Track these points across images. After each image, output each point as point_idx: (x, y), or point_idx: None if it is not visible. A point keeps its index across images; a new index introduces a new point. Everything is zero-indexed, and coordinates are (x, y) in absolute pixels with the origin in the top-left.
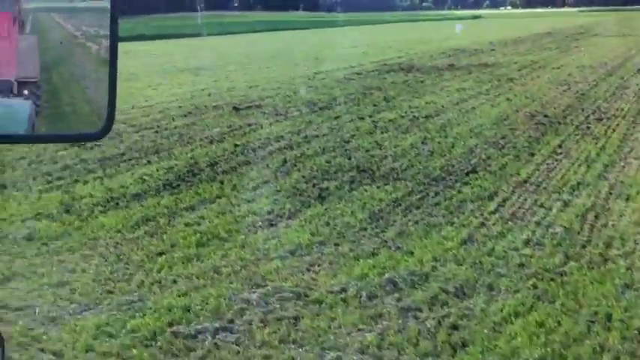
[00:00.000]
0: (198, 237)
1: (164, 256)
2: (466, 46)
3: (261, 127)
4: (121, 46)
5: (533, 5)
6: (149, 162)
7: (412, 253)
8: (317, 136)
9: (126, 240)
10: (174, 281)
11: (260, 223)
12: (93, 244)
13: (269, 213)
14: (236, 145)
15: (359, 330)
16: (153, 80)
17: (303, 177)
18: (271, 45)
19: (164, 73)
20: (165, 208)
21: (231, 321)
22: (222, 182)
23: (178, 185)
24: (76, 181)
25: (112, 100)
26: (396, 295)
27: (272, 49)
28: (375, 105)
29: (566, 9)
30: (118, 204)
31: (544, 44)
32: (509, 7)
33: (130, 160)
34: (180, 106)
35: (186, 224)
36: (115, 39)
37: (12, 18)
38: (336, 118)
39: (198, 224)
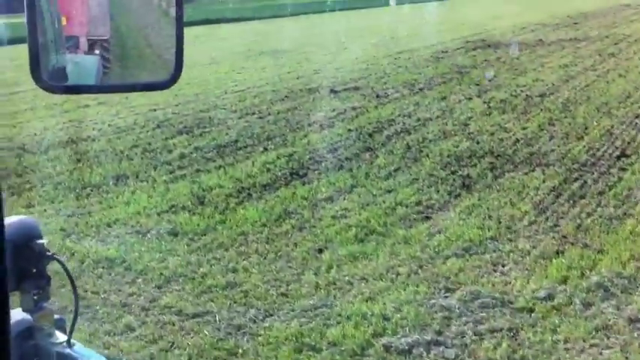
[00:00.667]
0: (353, 232)
1: (326, 254)
2: (544, 20)
3: (367, 111)
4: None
5: None
6: (265, 149)
7: (604, 251)
8: (430, 119)
9: (276, 235)
10: (350, 282)
11: (413, 215)
12: (243, 239)
13: (417, 204)
14: (349, 130)
15: (593, 346)
16: (235, 64)
17: (436, 163)
18: (333, 26)
19: (242, 57)
20: (303, 199)
21: (440, 332)
22: (350, 170)
23: (306, 174)
24: (198, 170)
25: (179, 49)
26: (613, 302)
27: (336, 30)
28: (477, 84)
29: None
30: (250, 195)
31: (628, 16)
32: None
33: (245, 147)
34: (273, 90)
35: (333, 217)
36: None
37: None
38: (442, 99)
39: (345, 217)
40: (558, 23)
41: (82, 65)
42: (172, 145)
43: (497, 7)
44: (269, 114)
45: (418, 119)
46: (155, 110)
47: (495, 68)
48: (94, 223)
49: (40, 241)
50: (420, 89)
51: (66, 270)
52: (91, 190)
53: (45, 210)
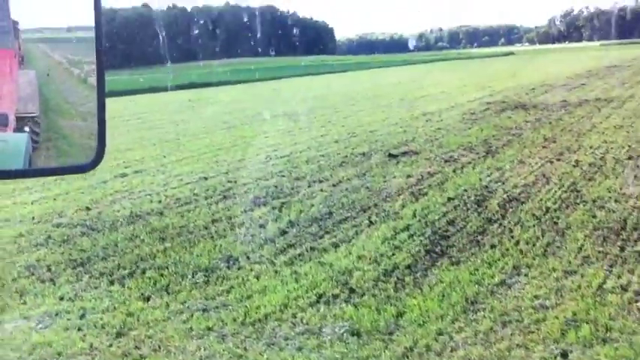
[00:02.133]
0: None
1: None
2: (551, 81)
3: (448, 177)
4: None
5: (550, 41)
6: (371, 222)
7: None
8: (528, 184)
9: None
10: None
11: None
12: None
13: None
14: (449, 199)
15: None
16: (256, 128)
17: (589, 236)
18: (335, 88)
19: (258, 121)
20: (474, 284)
21: None
22: (500, 245)
23: (445, 252)
24: (313, 248)
25: (101, 133)
26: None
27: (342, 91)
28: (543, 146)
29: (584, 43)
30: (402, 280)
31: (629, 76)
32: (526, 44)
33: (345, 220)
34: (322, 155)
35: (533, 308)
36: (101, 70)
37: (14, 55)
38: (520, 162)
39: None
40: (565, 84)
41: (11, 144)
42: (258, 219)
43: (488, 69)
44: (340, 181)
45: (515, 185)
46: (206, 179)
47: (546, 129)
48: (242, 318)
49: None
50: (486, 152)
51: None
52: (206, 276)
53: (168, 305)
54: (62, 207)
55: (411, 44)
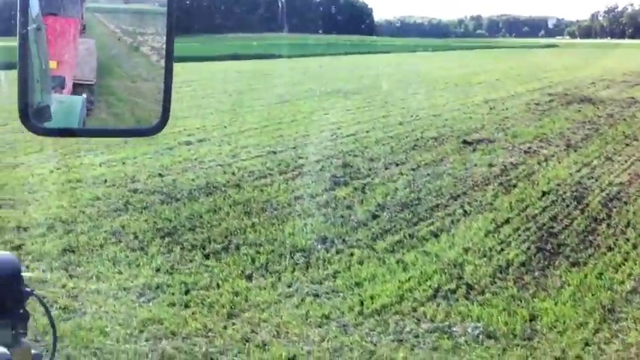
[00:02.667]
0: None
1: None
2: (608, 76)
3: (535, 169)
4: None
5: (592, 36)
6: (465, 212)
7: None
8: (625, 183)
9: None
10: None
11: None
12: None
13: None
14: (545, 194)
15: None
16: (311, 105)
17: None
18: (382, 69)
19: (310, 97)
20: None
21: None
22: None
23: (582, 260)
24: (412, 236)
25: (167, 98)
26: None
27: (390, 72)
28: (626, 144)
29: (628, 41)
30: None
31: None
32: (567, 37)
33: (437, 207)
34: (390, 137)
35: None
36: (171, 36)
37: (78, 23)
38: (607, 159)
39: None
40: (624, 81)
41: (68, 105)
42: (343, 200)
43: (533, 59)
44: (418, 166)
45: (610, 183)
46: (275, 153)
47: (623, 126)
48: (359, 308)
49: (20, 277)
50: (567, 146)
51: (45, 307)
52: (305, 257)
53: (274, 286)
54: (132, 171)
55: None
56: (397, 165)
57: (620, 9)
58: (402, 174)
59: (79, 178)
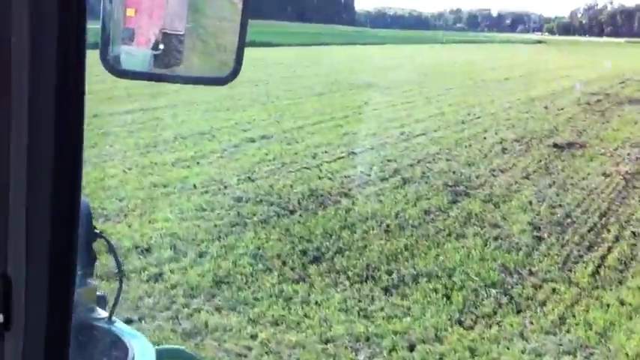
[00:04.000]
0: None
1: None
2: (628, 74)
3: None
4: None
5: (570, 34)
6: None
7: None
8: None
9: None
10: None
11: None
12: None
13: None
14: None
15: None
16: (349, 98)
17: None
18: (393, 60)
19: (342, 90)
20: None
21: None
22: None
23: None
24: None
25: (240, 44)
26: None
27: (405, 64)
28: None
29: (606, 39)
30: None
31: None
32: (546, 34)
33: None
34: (465, 137)
35: None
36: None
37: None
38: None
39: None
40: None
41: (135, 58)
42: (482, 215)
43: (533, 55)
44: (528, 174)
45: None
46: (355, 154)
47: None
48: None
49: (90, 218)
50: None
51: (112, 250)
52: (507, 295)
53: (497, 339)
54: (215, 174)
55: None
56: (503, 172)
57: (599, 7)
58: (517, 183)
59: (161, 182)
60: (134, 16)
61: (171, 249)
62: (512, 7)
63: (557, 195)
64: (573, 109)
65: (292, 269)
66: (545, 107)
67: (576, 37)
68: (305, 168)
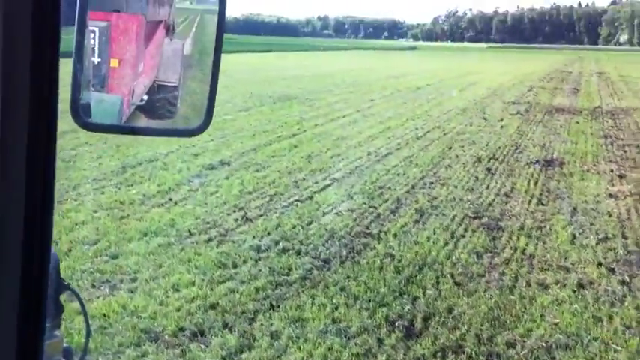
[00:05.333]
0: None
1: None
2: (528, 82)
3: None
4: None
5: (433, 39)
6: None
7: None
8: None
9: None
10: None
11: None
12: None
13: None
14: None
15: None
16: (278, 112)
17: None
18: (296, 71)
19: (268, 103)
20: None
21: None
22: None
23: None
24: None
25: (211, 96)
26: None
27: (310, 74)
28: None
29: (466, 44)
30: None
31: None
32: (410, 40)
33: None
34: (455, 156)
35: None
36: (220, 36)
37: (142, 21)
38: None
39: None
40: (555, 87)
41: (108, 103)
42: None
43: (418, 64)
44: (549, 191)
45: None
46: (386, 188)
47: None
48: None
49: (58, 269)
50: None
51: (80, 301)
52: None
53: None
54: (202, 213)
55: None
56: (509, 197)
57: (460, 13)
58: (541, 211)
59: (148, 228)
60: (118, 66)
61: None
62: (376, 14)
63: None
64: (513, 121)
65: (394, 348)
66: (484, 119)
67: (443, 43)
68: (297, 201)
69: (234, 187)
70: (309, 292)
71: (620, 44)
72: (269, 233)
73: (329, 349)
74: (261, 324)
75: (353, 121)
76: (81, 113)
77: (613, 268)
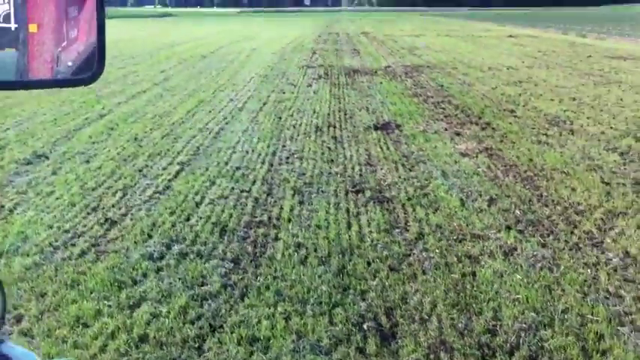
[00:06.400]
0: None
1: None
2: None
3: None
4: None
5: (183, 4)
6: None
7: None
8: None
9: None
10: None
11: None
12: None
13: None
14: None
15: None
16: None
17: None
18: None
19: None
20: None
21: None
22: None
23: None
24: None
25: (101, 44)
26: None
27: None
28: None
29: (215, 9)
30: None
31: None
32: (159, 6)
33: None
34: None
35: None
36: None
37: None
38: None
39: None
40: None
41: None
42: None
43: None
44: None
45: None
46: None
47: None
48: None
49: None
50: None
51: None
52: None
53: None
54: None
55: None
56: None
57: None
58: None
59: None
60: (36, 31)
61: None
62: None
63: None
64: (320, 85)
65: (380, 356)
66: (293, 84)
67: (194, 9)
68: (156, 192)
69: (70, 183)
70: (245, 304)
71: (360, 4)
72: (150, 236)
73: None
74: (216, 353)
75: (158, 96)
76: None
77: (522, 231)
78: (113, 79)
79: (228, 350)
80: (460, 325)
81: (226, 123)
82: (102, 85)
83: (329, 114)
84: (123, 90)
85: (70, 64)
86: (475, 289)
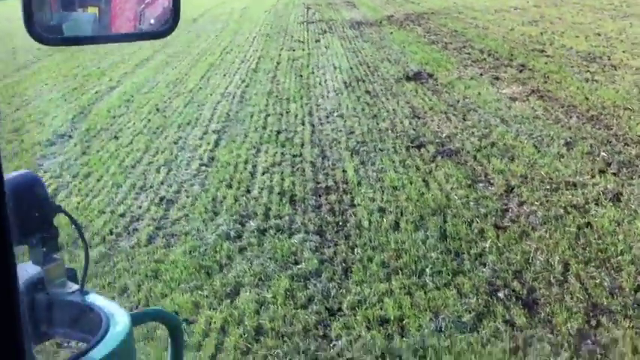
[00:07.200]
0: None
1: None
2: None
3: None
4: None
5: None
6: None
7: None
8: None
9: None
10: None
11: None
12: None
13: None
14: None
15: None
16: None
17: None
18: None
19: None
20: None
21: None
22: None
23: None
24: None
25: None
26: None
27: None
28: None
29: None
30: None
31: None
32: None
33: None
34: None
35: None
36: None
37: None
38: None
39: None
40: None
41: (78, 22)
42: None
43: None
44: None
45: None
46: None
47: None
48: None
49: (47, 194)
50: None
51: (74, 221)
52: None
53: None
54: None
55: None
56: None
57: None
58: None
59: None
60: None
61: None
62: None
63: None
64: (330, 40)
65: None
66: (300, 41)
67: None
68: (203, 165)
69: (106, 162)
70: (353, 280)
71: None
72: (215, 213)
73: None
74: (348, 340)
75: (164, 63)
76: (40, 30)
77: (616, 173)
78: (109, 49)
79: (360, 336)
80: (605, 284)
81: (246, 86)
82: (100, 56)
83: (351, 68)
84: (123, 59)
85: (152, 21)
86: (600, 241)
